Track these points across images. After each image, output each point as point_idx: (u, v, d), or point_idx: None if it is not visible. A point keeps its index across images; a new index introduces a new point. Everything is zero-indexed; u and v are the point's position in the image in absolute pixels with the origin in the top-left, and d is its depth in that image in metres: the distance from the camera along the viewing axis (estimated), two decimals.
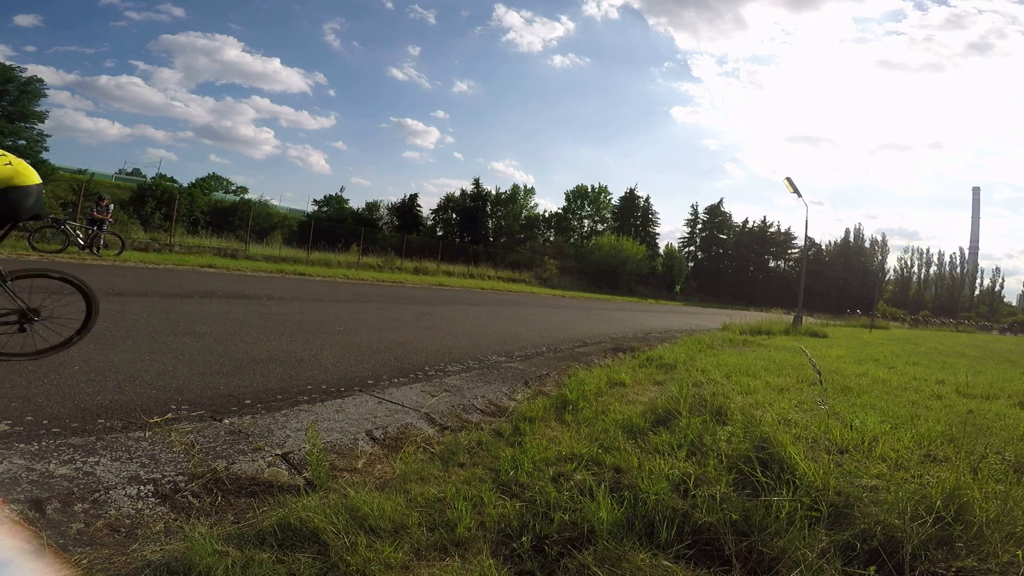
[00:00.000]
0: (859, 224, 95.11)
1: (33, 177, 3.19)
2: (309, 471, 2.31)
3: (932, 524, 1.82)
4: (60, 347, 3.62)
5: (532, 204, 61.25)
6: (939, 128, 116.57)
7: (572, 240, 58.76)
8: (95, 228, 13.43)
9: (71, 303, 3.66)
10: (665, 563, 1.71)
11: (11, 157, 3.13)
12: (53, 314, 3.59)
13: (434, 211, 58.59)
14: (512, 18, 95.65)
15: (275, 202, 50.69)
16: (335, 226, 34.68)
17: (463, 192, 58.67)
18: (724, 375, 5.03)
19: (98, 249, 13.36)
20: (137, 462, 2.19)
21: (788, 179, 17.66)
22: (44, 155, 30.80)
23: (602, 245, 52.32)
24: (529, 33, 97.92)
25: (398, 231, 46.27)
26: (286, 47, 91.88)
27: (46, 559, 1.51)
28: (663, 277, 58.26)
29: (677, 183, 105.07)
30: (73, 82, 68.39)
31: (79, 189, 20.26)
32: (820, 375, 3.29)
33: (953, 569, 1.68)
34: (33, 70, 32.37)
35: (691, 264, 66.18)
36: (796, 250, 67.18)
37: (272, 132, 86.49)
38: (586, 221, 62.77)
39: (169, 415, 2.80)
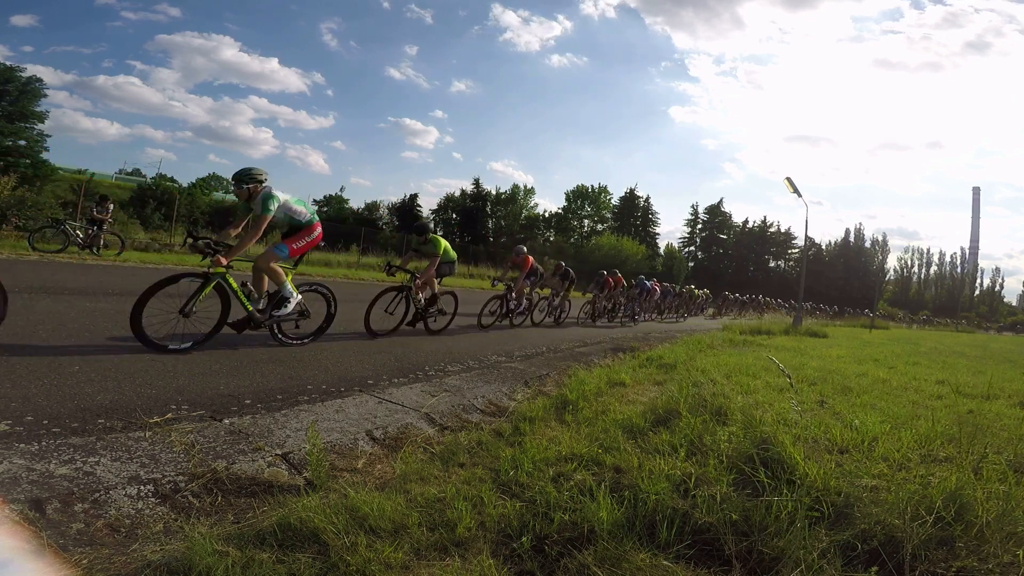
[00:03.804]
0: (859, 224, 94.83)
1: None
2: (309, 471, 2.31)
3: (932, 524, 1.82)
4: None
5: (532, 204, 61.29)
6: (938, 128, 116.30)
7: (572, 240, 58.73)
8: (95, 228, 13.42)
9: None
10: (665, 563, 1.70)
11: None
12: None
13: (434, 211, 58.59)
14: (509, 17, 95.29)
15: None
16: (335, 226, 34.60)
17: (463, 192, 58.69)
18: (724, 375, 5.03)
19: (98, 249, 13.34)
20: (137, 462, 2.19)
21: (788, 179, 17.69)
22: (44, 155, 30.77)
23: (602, 245, 52.31)
24: (527, 33, 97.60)
25: (398, 231, 46.22)
26: (283, 47, 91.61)
27: (46, 559, 1.51)
28: (663, 277, 58.16)
29: (677, 183, 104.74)
30: (71, 82, 68.09)
31: (79, 189, 20.25)
32: (790, 378, 3.35)
33: (953, 569, 1.68)
34: (31, 70, 32.27)
35: (691, 264, 66.12)
36: (796, 250, 67.16)
37: (271, 132, 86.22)
38: (586, 221, 62.76)
39: (169, 415, 2.80)
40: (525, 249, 9.74)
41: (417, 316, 7.01)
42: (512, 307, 9.23)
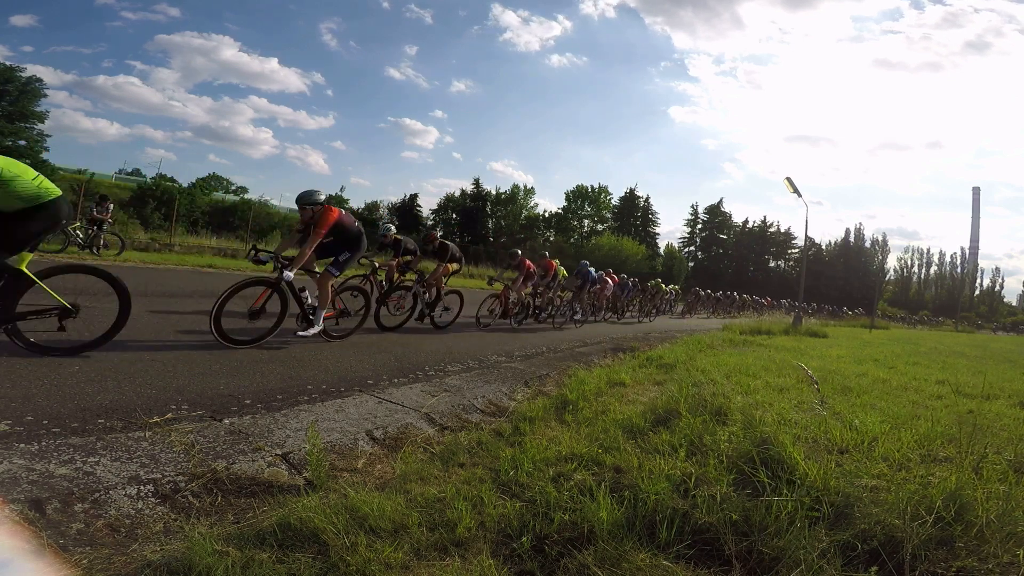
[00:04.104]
0: (859, 224, 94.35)
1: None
2: (309, 471, 2.31)
3: (932, 524, 1.82)
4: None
5: (532, 204, 61.37)
6: (938, 128, 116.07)
7: (572, 240, 58.74)
8: (95, 228, 13.43)
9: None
10: (665, 563, 1.70)
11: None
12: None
13: (434, 211, 58.66)
14: (509, 17, 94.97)
15: (275, 202, 50.49)
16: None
17: (463, 192, 58.76)
18: (724, 375, 5.03)
19: (98, 249, 13.35)
20: (137, 462, 2.19)
21: (788, 179, 17.69)
22: (44, 155, 30.78)
23: (602, 245, 52.35)
24: (526, 32, 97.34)
25: (398, 231, 46.24)
26: (283, 47, 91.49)
27: (46, 559, 1.51)
28: (663, 277, 58.20)
29: (677, 183, 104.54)
30: (71, 82, 67.79)
31: (79, 189, 20.23)
32: (816, 383, 3.30)
33: (953, 569, 1.68)
34: (31, 70, 32.20)
35: (691, 264, 66.14)
36: (796, 250, 67.16)
37: (271, 132, 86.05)
38: (586, 221, 62.81)
39: (169, 415, 2.80)
40: (322, 198, 5.19)
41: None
42: (306, 309, 5.25)
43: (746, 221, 69.92)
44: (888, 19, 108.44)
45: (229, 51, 79.64)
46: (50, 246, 12.75)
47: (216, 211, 39.02)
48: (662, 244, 65.43)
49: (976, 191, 79.98)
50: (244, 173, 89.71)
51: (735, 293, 31.33)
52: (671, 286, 22.97)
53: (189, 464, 2.24)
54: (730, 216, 69.75)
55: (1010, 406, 4.56)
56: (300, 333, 5.22)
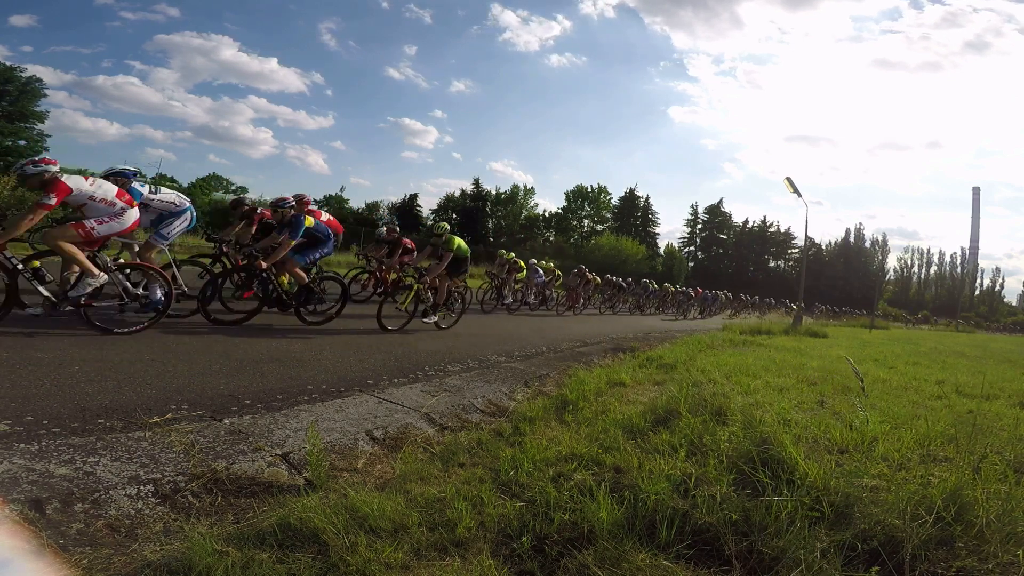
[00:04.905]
0: (859, 224, 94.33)
1: None
2: (309, 471, 2.31)
3: (932, 524, 1.82)
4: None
5: (532, 204, 61.51)
6: (938, 128, 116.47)
7: (572, 240, 58.82)
8: None
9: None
10: (665, 563, 1.70)
11: None
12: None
13: (434, 211, 58.76)
14: (508, 17, 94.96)
15: None
16: None
17: (463, 192, 58.90)
18: (724, 375, 5.03)
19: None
20: (137, 462, 2.19)
21: (788, 179, 17.69)
22: (44, 155, 30.82)
23: (602, 245, 52.49)
24: (526, 32, 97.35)
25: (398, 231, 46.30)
26: (283, 47, 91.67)
27: (46, 559, 1.51)
28: (663, 277, 58.27)
29: (677, 183, 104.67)
30: (71, 82, 67.80)
31: None
32: (863, 383, 3.31)
33: (953, 569, 1.68)
34: (31, 70, 32.23)
35: (691, 264, 66.21)
36: (796, 250, 67.26)
37: (270, 132, 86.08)
38: (586, 221, 62.94)
39: (169, 415, 2.80)
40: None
41: None
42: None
43: (746, 221, 70.11)
44: (887, 19, 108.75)
45: (228, 51, 79.74)
46: None
47: (216, 211, 38.99)
48: (662, 244, 65.61)
49: (976, 191, 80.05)
50: (244, 173, 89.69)
51: (650, 282, 22.02)
52: (545, 261, 14.98)
53: (189, 464, 2.24)
54: (730, 216, 69.92)
55: (1010, 406, 4.56)
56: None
